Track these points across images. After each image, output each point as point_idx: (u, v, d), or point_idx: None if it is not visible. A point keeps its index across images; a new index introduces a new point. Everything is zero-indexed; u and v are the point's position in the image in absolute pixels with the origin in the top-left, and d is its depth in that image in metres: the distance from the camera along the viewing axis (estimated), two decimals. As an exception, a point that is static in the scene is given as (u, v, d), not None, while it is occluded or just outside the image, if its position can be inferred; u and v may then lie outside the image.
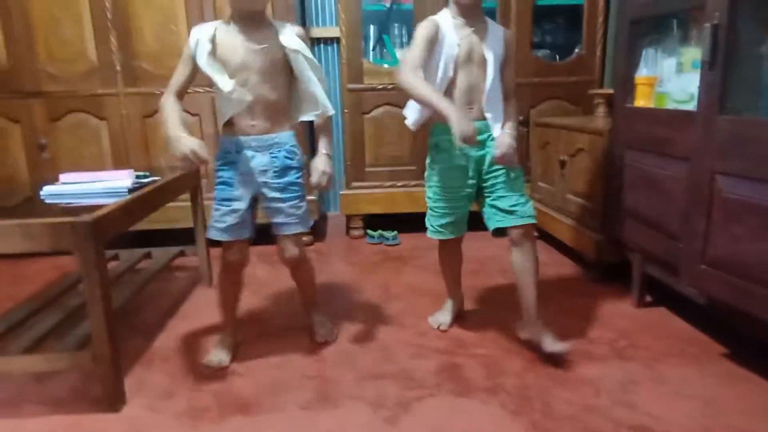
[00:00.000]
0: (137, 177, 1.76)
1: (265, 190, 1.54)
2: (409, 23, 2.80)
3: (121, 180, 1.68)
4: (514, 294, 2.05)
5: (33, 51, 2.54)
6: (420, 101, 1.52)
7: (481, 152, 1.59)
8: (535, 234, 1.66)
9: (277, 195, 1.54)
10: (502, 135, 1.57)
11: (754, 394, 1.41)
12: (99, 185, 1.65)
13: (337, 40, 2.90)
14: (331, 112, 1.58)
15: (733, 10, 1.39)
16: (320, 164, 1.59)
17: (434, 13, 1.60)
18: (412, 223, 2.87)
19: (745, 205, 1.37)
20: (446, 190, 1.64)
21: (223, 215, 1.53)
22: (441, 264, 1.83)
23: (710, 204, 1.48)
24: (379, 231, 2.82)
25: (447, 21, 1.56)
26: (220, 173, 1.55)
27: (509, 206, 1.56)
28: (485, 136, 1.59)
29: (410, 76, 1.48)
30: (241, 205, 1.52)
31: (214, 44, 1.46)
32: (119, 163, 2.65)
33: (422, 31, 1.53)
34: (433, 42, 1.53)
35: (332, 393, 1.46)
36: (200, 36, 1.45)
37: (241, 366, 1.62)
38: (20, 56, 2.54)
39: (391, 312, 1.95)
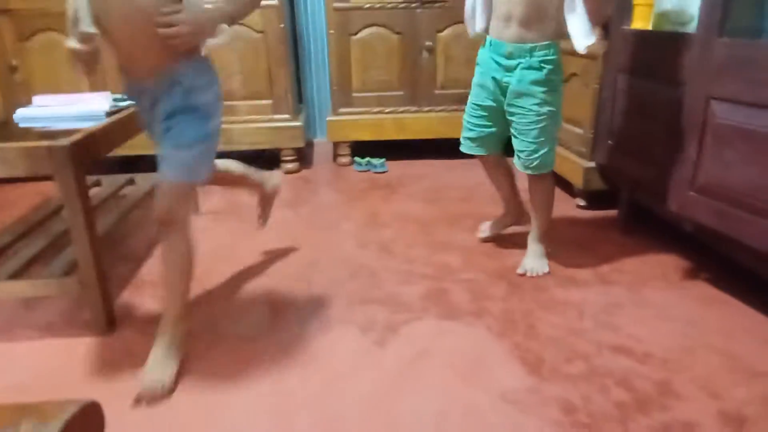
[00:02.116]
0: (114, 100, 1.69)
1: None
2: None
3: (98, 103, 1.62)
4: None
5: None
6: None
7: (506, 78, 1.53)
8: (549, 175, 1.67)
9: None
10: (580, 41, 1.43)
11: (734, 316, 1.45)
12: (75, 108, 1.59)
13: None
14: None
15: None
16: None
17: None
18: (401, 150, 2.84)
19: (737, 131, 1.36)
20: (471, 105, 1.65)
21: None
22: (489, 179, 1.84)
23: (703, 130, 1.47)
24: (367, 158, 2.78)
25: None
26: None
27: (517, 150, 1.59)
28: (514, 62, 1.50)
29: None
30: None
31: None
32: (95, 86, 2.54)
33: None
34: None
35: (322, 317, 1.48)
36: None
37: (229, 293, 1.63)
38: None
39: (379, 239, 1.96)
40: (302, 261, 1.81)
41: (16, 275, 1.46)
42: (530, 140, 1.55)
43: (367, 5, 2.59)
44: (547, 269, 1.67)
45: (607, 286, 1.61)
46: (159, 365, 1.22)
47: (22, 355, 1.35)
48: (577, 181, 2.14)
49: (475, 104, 1.63)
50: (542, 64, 1.49)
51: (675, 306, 1.51)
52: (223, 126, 1.33)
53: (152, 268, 1.78)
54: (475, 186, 2.44)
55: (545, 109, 1.52)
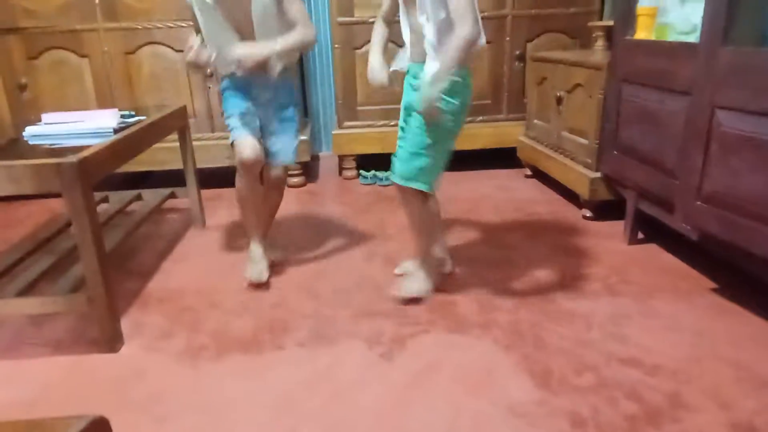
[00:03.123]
0: (122, 116, 1.71)
1: None
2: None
3: (106, 120, 1.63)
4: (506, 233, 2.06)
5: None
6: None
7: (407, 97, 1.55)
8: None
9: None
10: (422, 82, 1.38)
11: (741, 326, 1.44)
12: (83, 125, 1.60)
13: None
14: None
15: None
16: None
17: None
18: (406, 162, 2.84)
19: (743, 139, 1.36)
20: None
21: None
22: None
23: (708, 139, 1.47)
24: (373, 171, 2.79)
25: None
26: None
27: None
28: (416, 82, 1.46)
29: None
30: None
31: None
32: (103, 103, 2.58)
33: None
34: None
35: (329, 331, 1.48)
36: None
37: (238, 306, 1.63)
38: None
39: (385, 251, 1.96)
40: (309, 273, 1.81)
41: (24, 292, 1.47)
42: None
43: (371, 19, 2.61)
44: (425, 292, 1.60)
45: (614, 296, 1.60)
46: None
47: (29, 372, 1.36)
48: (583, 191, 2.13)
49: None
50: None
51: (683, 316, 1.49)
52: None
53: (159, 283, 1.79)
54: (480, 198, 2.44)
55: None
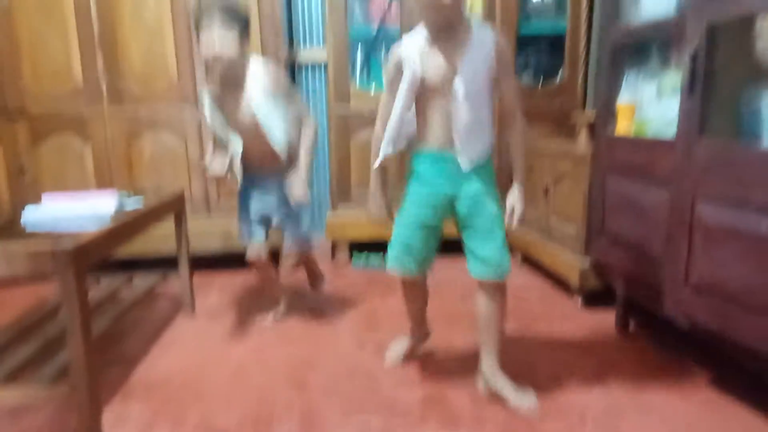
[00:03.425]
0: (120, 197, 1.75)
1: None
2: (396, 48, 2.83)
3: (105, 202, 1.66)
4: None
5: (17, 70, 2.52)
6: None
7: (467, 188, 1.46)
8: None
9: None
10: (510, 197, 1.48)
11: (738, 422, 1.41)
12: (82, 208, 1.63)
13: (325, 66, 2.92)
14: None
15: (711, 36, 1.43)
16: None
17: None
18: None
19: (725, 230, 1.39)
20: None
21: None
22: (407, 301, 1.71)
23: (691, 229, 1.50)
24: (366, 254, 2.80)
25: (414, 44, 1.39)
26: None
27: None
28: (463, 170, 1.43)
29: (376, 128, 1.52)
30: None
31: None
32: (102, 184, 2.62)
33: (385, 75, 1.46)
34: (397, 82, 1.41)
35: (316, 426, 1.44)
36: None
37: (224, 395, 1.59)
38: (4, 75, 2.52)
39: (377, 339, 1.94)
40: (298, 361, 1.78)
41: (5, 381, 1.43)
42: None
43: (366, 110, 2.73)
44: (534, 400, 1.49)
45: (607, 389, 1.58)
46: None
47: (3, 468, 1.30)
48: (573, 279, 2.15)
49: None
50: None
51: (677, 411, 1.47)
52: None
53: (144, 371, 1.75)
54: (473, 284, 2.44)
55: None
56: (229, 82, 1.76)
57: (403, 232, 1.53)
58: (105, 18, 2.49)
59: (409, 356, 1.77)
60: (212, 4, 1.66)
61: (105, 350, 1.88)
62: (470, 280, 1.47)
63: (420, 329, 1.77)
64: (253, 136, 1.79)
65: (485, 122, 1.45)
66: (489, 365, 1.53)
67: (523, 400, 1.48)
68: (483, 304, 1.51)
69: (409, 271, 1.57)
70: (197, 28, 1.69)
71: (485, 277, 1.47)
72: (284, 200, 1.90)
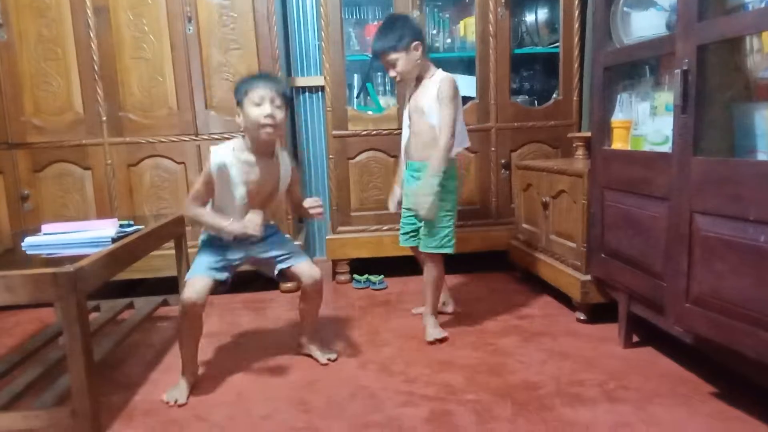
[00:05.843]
0: (121, 226, 1.75)
1: None
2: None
3: (105, 230, 1.67)
4: (501, 338, 2.04)
5: (19, 103, 2.56)
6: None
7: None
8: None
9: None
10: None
11: (746, 434, 1.40)
12: (82, 236, 1.64)
13: (322, 88, 2.96)
14: None
15: (701, 55, 1.46)
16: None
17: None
18: (399, 266, 2.87)
19: (724, 243, 1.40)
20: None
21: None
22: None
23: (691, 242, 1.51)
24: (366, 275, 2.80)
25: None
26: None
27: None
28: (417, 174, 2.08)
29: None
30: None
31: None
32: (103, 212, 2.64)
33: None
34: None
35: (320, 445, 1.42)
36: None
37: (226, 419, 1.57)
38: (6, 108, 2.55)
39: (378, 358, 1.93)
40: (301, 382, 1.77)
41: (7, 406, 1.42)
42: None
43: (364, 132, 2.76)
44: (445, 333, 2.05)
45: (614, 403, 1.56)
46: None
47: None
48: (575, 294, 2.15)
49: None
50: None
51: (685, 424, 1.45)
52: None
53: (146, 395, 1.73)
54: (474, 301, 2.44)
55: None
56: (268, 151, 1.79)
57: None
58: (105, 50, 2.54)
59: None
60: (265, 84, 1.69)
61: (107, 374, 1.86)
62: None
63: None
64: (263, 198, 1.82)
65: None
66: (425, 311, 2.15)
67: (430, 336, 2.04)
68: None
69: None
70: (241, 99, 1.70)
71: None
72: (281, 243, 1.89)
